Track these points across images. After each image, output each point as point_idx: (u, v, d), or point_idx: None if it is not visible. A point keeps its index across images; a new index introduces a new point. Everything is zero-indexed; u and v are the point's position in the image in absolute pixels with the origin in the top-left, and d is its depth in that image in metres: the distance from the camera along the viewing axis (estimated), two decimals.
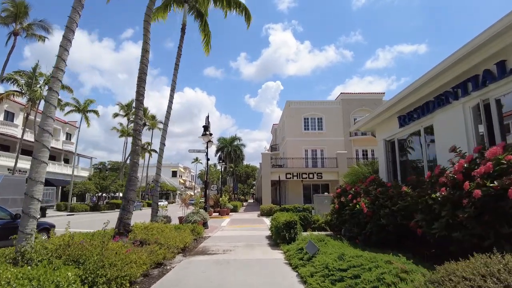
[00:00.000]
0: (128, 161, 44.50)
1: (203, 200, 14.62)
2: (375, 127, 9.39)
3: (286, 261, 6.19)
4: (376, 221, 5.73)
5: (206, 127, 14.46)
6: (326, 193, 15.85)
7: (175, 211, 18.87)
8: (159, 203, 42.89)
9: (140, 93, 8.14)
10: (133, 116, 41.16)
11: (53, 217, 24.65)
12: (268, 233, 11.14)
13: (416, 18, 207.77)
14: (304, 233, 9.35)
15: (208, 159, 15.10)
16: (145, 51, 8.46)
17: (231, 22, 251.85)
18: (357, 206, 6.01)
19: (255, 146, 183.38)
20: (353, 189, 6.95)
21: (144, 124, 41.42)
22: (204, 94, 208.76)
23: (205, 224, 13.87)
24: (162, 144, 10.22)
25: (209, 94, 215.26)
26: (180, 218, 14.36)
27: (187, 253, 7.51)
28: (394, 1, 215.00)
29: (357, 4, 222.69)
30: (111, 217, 7.72)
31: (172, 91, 10.28)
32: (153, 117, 46.10)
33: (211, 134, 15.01)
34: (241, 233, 11.80)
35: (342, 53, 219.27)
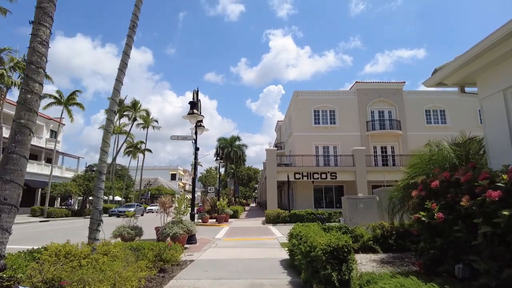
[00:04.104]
0: (127, 163, 39.96)
1: (189, 204, 10.61)
2: (476, 74, 5.39)
3: None
4: None
5: (193, 104, 10.54)
6: (360, 194, 11.79)
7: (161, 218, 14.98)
8: (154, 207, 37.84)
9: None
10: (129, 111, 37.52)
11: (15, 224, 20.71)
12: (282, 254, 7.18)
13: (415, 23, 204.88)
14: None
15: (197, 148, 11.15)
16: None
17: (231, 25, 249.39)
18: None
19: (257, 149, 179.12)
20: (509, 179, 2.92)
21: (134, 119, 37.48)
22: (206, 98, 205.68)
23: (191, 238, 9.87)
24: (116, 90, 6.30)
25: (211, 99, 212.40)
26: (157, 229, 10.40)
27: None
28: (392, 7, 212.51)
29: (356, 10, 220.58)
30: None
31: (130, 36, 6.43)
32: (147, 112, 42.21)
33: (201, 115, 11.07)
34: (242, 254, 7.79)
35: (341, 58, 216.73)
